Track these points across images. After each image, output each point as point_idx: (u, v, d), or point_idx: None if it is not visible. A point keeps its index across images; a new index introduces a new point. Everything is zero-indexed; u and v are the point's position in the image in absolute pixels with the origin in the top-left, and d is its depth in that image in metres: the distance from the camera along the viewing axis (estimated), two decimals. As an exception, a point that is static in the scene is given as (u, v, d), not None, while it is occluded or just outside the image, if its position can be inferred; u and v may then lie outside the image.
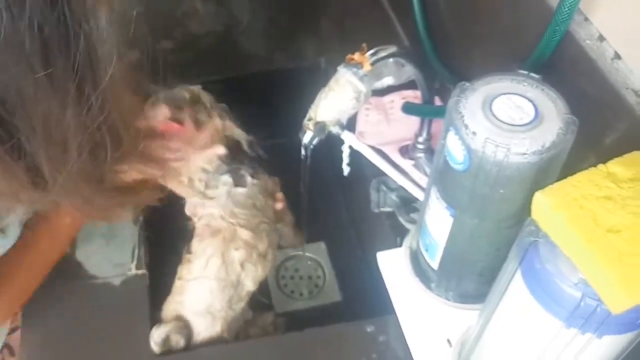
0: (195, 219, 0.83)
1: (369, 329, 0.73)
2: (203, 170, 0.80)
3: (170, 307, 0.79)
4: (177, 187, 0.80)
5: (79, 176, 0.46)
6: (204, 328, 0.77)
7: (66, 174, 0.44)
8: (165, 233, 0.89)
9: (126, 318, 0.76)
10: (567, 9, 0.51)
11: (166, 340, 0.74)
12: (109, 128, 0.44)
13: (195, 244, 0.81)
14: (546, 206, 0.39)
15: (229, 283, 0.79)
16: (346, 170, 0.75)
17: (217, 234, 0.80)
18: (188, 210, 0.84)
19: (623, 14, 0.51)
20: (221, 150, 0.81)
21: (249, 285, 0.81)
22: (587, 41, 0.53)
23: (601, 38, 0.52)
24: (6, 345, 0.85)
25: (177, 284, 0.80)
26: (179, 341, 0.75)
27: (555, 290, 0.40)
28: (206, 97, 0.84)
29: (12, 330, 0.85)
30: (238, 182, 0.82)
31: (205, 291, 0.77)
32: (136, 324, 0.74)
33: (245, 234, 0.80)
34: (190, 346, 0.76)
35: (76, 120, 0.41)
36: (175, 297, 0.79)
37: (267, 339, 0.83)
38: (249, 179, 0.83)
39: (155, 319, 0.76)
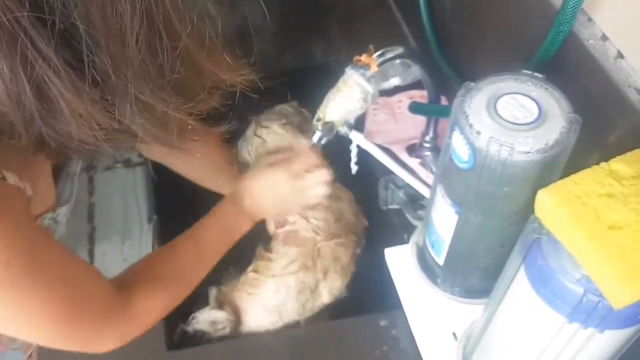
0: (278, 227, 0.83)
1: (382, 322, 0.73)
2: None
3: (234, 295, 0.79)
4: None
5: (142, 78, 0.44)
6: (267, 324, 0.78)
7: (131, 77, 0.43)
8: (180, 230, 0.90)
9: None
10: (570, 10, 0.51)
11: (213, 323, 0.74)
12: (163, 20, 0.42)
13: (277, 246, 0.82)
14: (549, 204, 0.39)
15: (307, 287, 0.79)
16: (354, 169, 0.75)
17: (303, 242, 0.81)
18: (272, 228, 0.84)
19: (626, 13, 0.50)
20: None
21: (325, 296, 0.81)
22: (591, 41, 0.53)
23: (604, 37, 0.52)
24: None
25: (251, 276, 0.80)
26: (223, 329, 0.75)
27: (558, 286, 0.40)
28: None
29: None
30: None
31: (283, 290, 0.78)
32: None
33: (332, 245, 0.81)
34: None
35: (129, 7, 0.40)
36: (247, 288, 0.79)
37: (281, 332, 0.83)
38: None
39: (169, 319, 0.75)
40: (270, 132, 0.88)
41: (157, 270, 0.66)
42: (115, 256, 0.83)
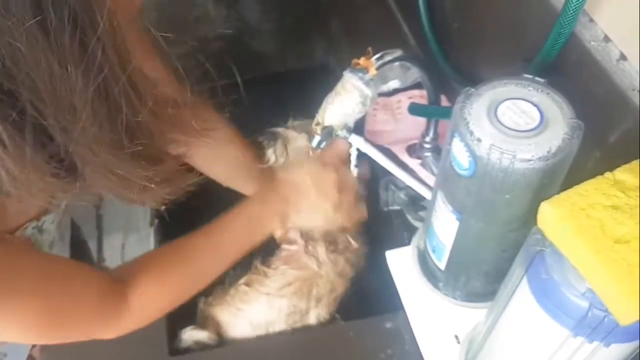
0: (284, 241, 0.79)
1: (388, 324, 0.71)
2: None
3: (222, 308, 0.76)
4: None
5: (97, 145, 0.40)
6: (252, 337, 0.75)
7: (83, 143, 0.39)
8: (182, 234, 0.88)
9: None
10: (572, 11, 0.49)
11: (196, 342, 0.72)
12: (122, 91, 0.39)
13: (277, 262, 0.78)
14: (552, 216, 0.37)
15: (298, 311, 0.77)
16: (355, 172, 0.73)
17: (304, 266, 0.78)
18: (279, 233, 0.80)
19: (629, 14, 0.48)
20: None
21: (313, 320, 0.78)
22: (593, 42, 0.51)
23: (606, 39, 0.50)
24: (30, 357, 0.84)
25: (242, 289, 0.77)
26: (205, 346, 0.73)
27: (562, 299, 0.38)
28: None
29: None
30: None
31: (274, 309, 0.75)
32: (151, 328, 0.72)
33: (332, 277, 0.78)
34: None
35: (81, 79, 0.37)
36: (237, 303, 0.76)
37: (285, 334, 0.82)
38: None
39: (171, 324, 0.74)
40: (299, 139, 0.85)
41: (165, 264, 0.63)
42: (115, 257, 0.81)
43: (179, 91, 0.47)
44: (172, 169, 0.50)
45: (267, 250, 0.81)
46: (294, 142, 0.84)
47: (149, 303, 0.60)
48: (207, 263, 0.66)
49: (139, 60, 0.41)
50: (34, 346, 0.80)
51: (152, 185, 0.48)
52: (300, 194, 0.71)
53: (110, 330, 0.58)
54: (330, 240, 0.79)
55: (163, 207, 0.53)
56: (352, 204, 0.74)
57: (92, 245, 0.85)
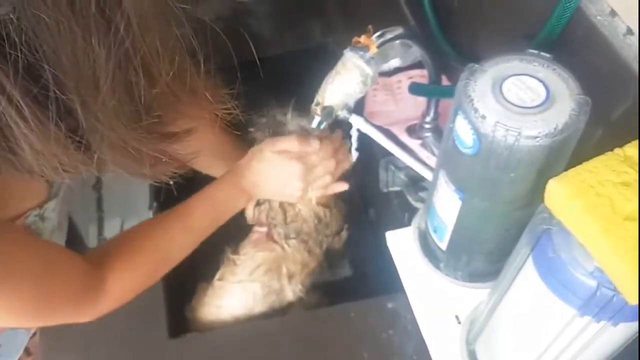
0: (255, 225, 0.80)
1: (390, 305, 0.71)
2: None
3: (204, 310, 0.76)
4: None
5: (115, 118, 0.41)
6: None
7: (102, 117, 0.40)
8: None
9: (141, 304, 0.73)
10: (578, -15, 0.47)
11: None
12: (141, 63, 0.39)
13: (248, 247, 0.79)
14: (561, 194, 0.35)
15: (273, 290, 0.77)
16: (355, 155, 0.71)
17: (273, 247, 0.78)
18: (251, 214, 0.81)
19: (636, -13, 0.46)
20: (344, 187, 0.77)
21: (290, 296, 0.78)
22: (599, 17, 0.49)
23: (613, 13, 0.48)
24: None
25: (217, 284, 0.77)
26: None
27: (569, 279, 0.37)
28: None
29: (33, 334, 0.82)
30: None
31: (249, 294, 0.75)
32: (151, 310, 0.72)
33: (302, 254, 0.78)
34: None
35: (104, 51, 0.37)
36: (215, 301, 0.76)
37: (288, 314, 0.81)
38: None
39: (170, 306, 0.73)
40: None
41: (137, 243, 0.63)
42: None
43: (192, 65, 0.46)
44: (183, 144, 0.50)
45: (237, 239, 0.80)
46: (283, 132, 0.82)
47: (124, 286, 0.60)
48: (177, 243, 0.66)
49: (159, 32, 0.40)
50: (31, 337, 0.79)
51: (164, 160, 0.48)
52: (264, 179, 0.73)
53: (89, 313, 0.59)
54: (300, 218, 0.79)
55: (171, 182, 0.53)
56: (321, 179, 0.75)
57: (93, 227, 0.83)
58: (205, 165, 0.84)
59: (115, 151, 0.44)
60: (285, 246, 0.78)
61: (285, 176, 0.73)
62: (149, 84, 0.41)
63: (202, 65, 0.46)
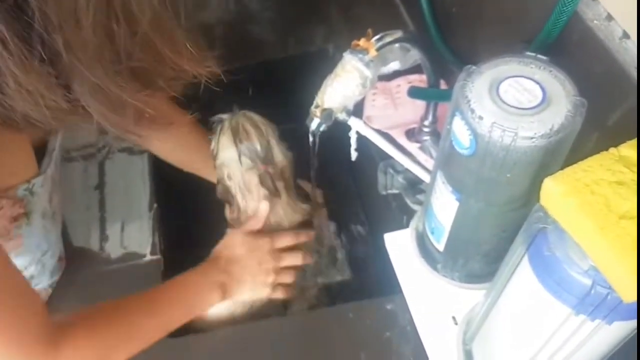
0: (235, 224, 0.80)
1: (388, 306, 0.70)
2: None
3: (192, 323, 0.75)
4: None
5: (96, 60, 0.42)
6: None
7: (83, 56, 0.41)
8: (180, 219, 0.87)
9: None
10: (574, -11, 0.47)
11: None
12: (121, 7, 0.40)
13: None
14: (556, 192, 0.35)
15: None
16: (354, 155, 0.71)
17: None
18: (230, 214, 0.80)
19: (632, -8, 0.46)
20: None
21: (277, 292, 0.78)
22: (595, 21, 0.49)
23: (609, 17, 0.48)
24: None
25: None
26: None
27: (564, 277, 0.37)
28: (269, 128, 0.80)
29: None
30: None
31: (229, 301, 0.74)
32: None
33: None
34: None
35: None
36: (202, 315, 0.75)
37: (287, 315, 0.81)
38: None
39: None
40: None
41: (101, 321, 0.61)
42: (114, 241, 0.80)
43: (174, 15, 0.47)
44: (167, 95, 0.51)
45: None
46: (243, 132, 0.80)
47: (76, 356, 0.58)
48: (141, 327, 0.65)
49: None
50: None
51: (147, 115, 0.48)
52: (239, 266, 0.73)
53: None
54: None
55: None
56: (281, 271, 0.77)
57: (95, 228, 0.83)
58: (183, 162, 0.85)
59: (97, 99, 0.44)
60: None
61: (257, 254, 0.74)
62: (129, 27, 0.42)
63: (182, 18, 0.46)
